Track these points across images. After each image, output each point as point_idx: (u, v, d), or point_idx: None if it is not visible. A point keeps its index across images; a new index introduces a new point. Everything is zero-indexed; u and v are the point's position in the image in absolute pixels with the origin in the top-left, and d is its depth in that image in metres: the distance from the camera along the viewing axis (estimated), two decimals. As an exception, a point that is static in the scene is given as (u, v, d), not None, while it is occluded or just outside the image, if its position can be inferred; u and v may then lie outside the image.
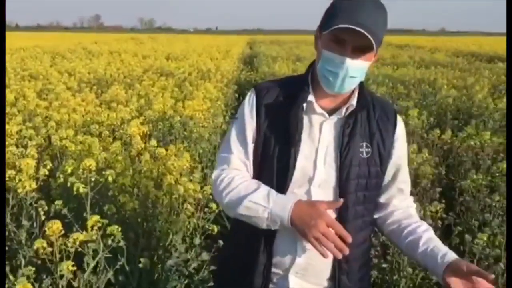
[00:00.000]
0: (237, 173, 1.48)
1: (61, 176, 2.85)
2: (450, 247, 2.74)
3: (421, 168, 3.66)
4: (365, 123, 1.50)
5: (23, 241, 2.57)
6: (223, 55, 16.57)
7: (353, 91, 1.49)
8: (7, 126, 4.27)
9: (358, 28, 1.31)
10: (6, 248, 2.61)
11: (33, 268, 2.20)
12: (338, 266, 1.49)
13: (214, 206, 3.00)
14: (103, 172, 2.70)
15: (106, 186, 2.73)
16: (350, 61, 1.36)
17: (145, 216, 2.86)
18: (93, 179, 2.53)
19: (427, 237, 1.52)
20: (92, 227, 2.19)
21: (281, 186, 1.45)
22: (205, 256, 3.11)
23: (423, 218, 2.73)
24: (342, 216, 1.46)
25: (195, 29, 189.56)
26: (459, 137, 4.64)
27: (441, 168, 4.20)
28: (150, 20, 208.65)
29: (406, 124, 5.39)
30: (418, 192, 3.62)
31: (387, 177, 1.55)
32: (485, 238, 2.48)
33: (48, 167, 2.99)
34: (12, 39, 29.78)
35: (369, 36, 1.32)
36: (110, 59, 13.38)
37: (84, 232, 2.17)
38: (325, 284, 1.52)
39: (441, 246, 1.48)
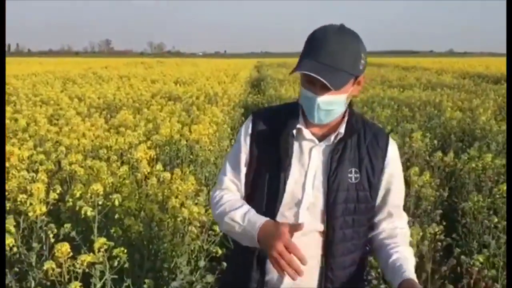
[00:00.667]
0: (227, 192, 1.60)
1: (70, 200, 2.95)
2: (448, 268, 2.78)
3: (423, 191, 3.71)
4: (355, 149, 1.54)
5: (33, 263, 2.65)
6: (231, 79, 16.80)
7: (343, 118, 1.56)
8: (18, 151, 4.41)
9: (311, 74, 1.39)
10: (17, 269, 2.70)
11: (43, 289, 2.27)
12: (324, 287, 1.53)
13: (218, 228, 3.07)
14: (110, 196, 2.79)
15: (112, 209, 2.82)
16: (319, 98, 1.45)
17: (150, 238, 2.93)
18: (100, 202, 2.63)
19: (401, 256, 1.53)
20: (99, 249, 2.28)
21: (271, 208, 1.53)
22: (209, 278, 3.17)
23: (422, 239, 2.78)
24: (328, 239, 1.51)
25: (204, 52, 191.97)
26: (462, 160, 4.69)
27: (443, 191, 4.24)
28: (160, 44, 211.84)
29: (410, 147, 5.47)
30: (420, 214, 3.67)
31: (378, 201, 1.59)
32: (481, 260, 2.52)
33: (58, 191, 3.09)
34: (24, 65, 30.45)
35: (320, 78, 1.38)
36: (119, 84, 13.64)
37: (92, 254, 2.25)
38: None
39: (409, 266, 1.50)
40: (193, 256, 3.19)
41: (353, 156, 1.54)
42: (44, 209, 2.73)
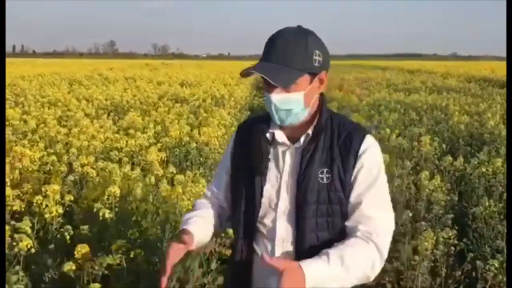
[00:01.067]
0: (203, 198, 1.69)
1: (84, 201, 2.96)
2: (463, 273, 2.78)
3: (434, 195, 3.71)
4: (327, 149, 1.50)
5: (49, 264, 2.66)
6: (236, 81, 16.83)
7: (314, 119, 1.54)
8: (30, 152, 4.44)
9: (254, 72, 1.42)
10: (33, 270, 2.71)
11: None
12: None
13: (230, 231, 3.08)
14: (127, 199, 2.81)
15: (128, 211, 2.84)
16: (273, 96, 1.45)
17: (165, 240, 2.95)
18: (117, 204, 2.64)
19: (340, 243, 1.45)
20: (116, 251, 2.29)
21: (250, 215, 1.54)
22: (221, 280, 3.17)
23: (435, 244, 2.78)
24: (298, 243, 1.49)
25: (207, 54, 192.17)
26: (472, 164, 4.69)
27: (454, 195, 4.24)
28: (164, 46, 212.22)
29: (418, 151, 5.48)
30: (431, 218, 3.67)
31: (352, 202, 1.49)
32: (496, 265, 2.53)
33: (72, 193, 3.11)
34: (30, 66, 30.57)
35: (264, 76, 1.39)
36: (125, 86, 13.68)
37: (110, 256, 2.26)
38: None
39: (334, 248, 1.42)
40: (205, 259, 3.20)
41: (325, 156, 1.50)
42: (60, 210, 2.75)
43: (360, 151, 1.49)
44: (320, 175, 1.48)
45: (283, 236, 1.51)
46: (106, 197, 2.65)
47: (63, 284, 2.45)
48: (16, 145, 4.98)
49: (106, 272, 2.22)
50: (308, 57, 1.44)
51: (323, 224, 1.48)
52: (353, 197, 1.48)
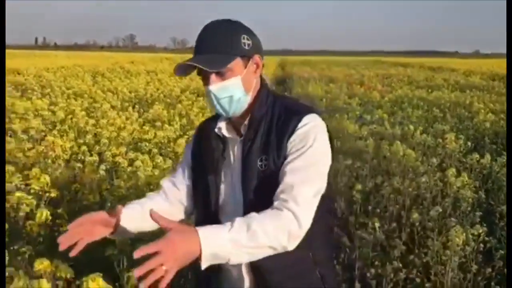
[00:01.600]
0: (156, 192, 1.68)
1: (118, 190, 3.05)
2: (493, 270, 2.79)
3: (461, 192, 3.70)
4: (265, 136, 1.48)
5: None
6: (257, 76, 16.83)
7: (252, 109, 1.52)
8: (61, 142, 4.55)
9: (185, 63, 1.42)
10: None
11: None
12: (255, 279, 1.50)
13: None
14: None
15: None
16: (210, 87, 1.44)
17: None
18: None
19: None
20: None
21: (209, 213, 1.55)
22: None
23: (466, 241, 2.79)
24: None
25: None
26: (499, 162, 4.65)
27: (481, 193, 4.22)
28: (183, 40, 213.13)
29: (443, 148, 5.45)
30: (458, 215, 3.66)
31: (281, 170, 1.43)
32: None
33: (105, 182, 3.19)
34: (52, 58, 31.05)
35: (193, 63, 1.40)
36: (147, 79, 13.84)
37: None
38: None
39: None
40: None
41: (263, 143, 1.48)
42: (97, 198, 2.83)
43: (295, 132, 1.44)
44: (259, 163, 1.47)
45: None
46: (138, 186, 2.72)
47: (103, 268, 2.53)
48: (45, 135, 5.13)
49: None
50: (236, 41, 1.45)
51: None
52: (282, 166, 1.43)
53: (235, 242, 1.25)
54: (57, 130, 5.37)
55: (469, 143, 5.84)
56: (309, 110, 1.51)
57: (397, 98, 10.35)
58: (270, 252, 1.34)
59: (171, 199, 1.65)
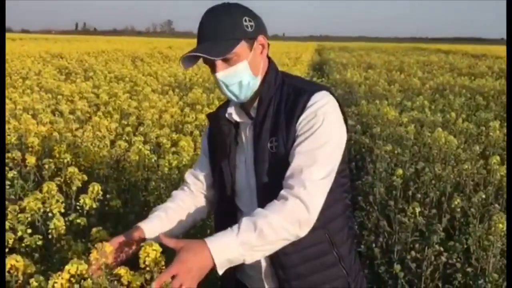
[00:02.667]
0: (181, 188, 1.73)
1: (164, 168, 3.15)
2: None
3: (505, 180, 3.63)
4: (274, 117, 1.47)
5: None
6: (294, 62, 16.77)
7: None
8: (106, 122, 4.72)
9: (190, 54, 1.41)
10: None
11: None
12: (271, 261, 1.51)
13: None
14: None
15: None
16: (218, 74, 1.44)
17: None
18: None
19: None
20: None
21: (225, 197, 1.57)
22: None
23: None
24: None
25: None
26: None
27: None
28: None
29: (487, 136, 5.33)
30: (501, 203, 3.60)
31: (290, 153, 1.43)
32: None
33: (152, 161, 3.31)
34: (92, 43, 31.83)
35: (197, 54, 1.40)
36: (186, 64, 14.00)
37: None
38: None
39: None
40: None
41: (273, 125, 1.47)
42: (144, 175, 2.95)
43: (305, 108, 1.42)
44: (269, 145, 1.46)
45: None
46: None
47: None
48: (90, 116, 5.32)
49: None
50: (237, 24, 1.43)
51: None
52: (292, 149, 1.42)
53: (245, 244, 1.28)
54: (101, 112, 5.56)
55: (513, 132, 5.69)
56: (319, 88, 1.50)
57: (438, 86, 10.11)
58: (284, 243, 1.37)
59: (195, 192, 1.68)
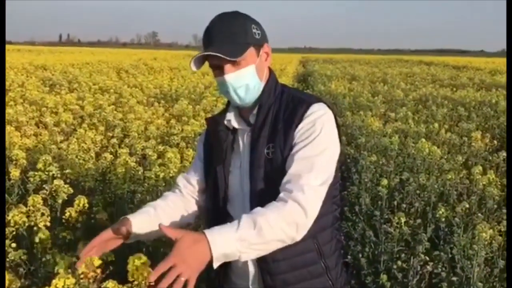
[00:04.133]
0: (172, 190, 1.73)
1: (149, 181, 3.14)
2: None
3: (488, 189, 3.70)
4: (273, 125, 1.51)
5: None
6: (279, 73, 16.87)
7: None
8: (91, 134, 4.69)
9: (204, 53, 1.43)
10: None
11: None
12: (259, 267, 1.53)
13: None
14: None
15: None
16: (226, 76, 1.47)
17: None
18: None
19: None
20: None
21: (217, 203, 1.59)
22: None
23: (493, 236, 2.80)
24: None
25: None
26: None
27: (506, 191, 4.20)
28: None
29: (469, 146, 5.42)
30: (484, 212, 3.66)
31: (288, 160, 1.46)
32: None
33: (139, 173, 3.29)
34: (77, 55, 31.60)
35: (213, 53, 1.41)
36: (171, 75, 14.00)
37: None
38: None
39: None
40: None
41: (271, 132, 1.50)
42: (131, 187, 2.93)
43: (303, 118, 1.47)
44: (266, 151, 1.49)
45: None
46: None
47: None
48: (75, 128, 5.28)
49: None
50: (247, 30, 1.48)
51: (274, 199, 1.42)
52: (289, 156, 1.46)
53: (243, 241, 1.29)
54: (86, 123, 5.51)
55: (495, 142, 5.81)
56: (317, 99, 1.55)
57: (421, 97, 10.27)
58: (280, 245, 1.38)
59: (186, 195, 1.69)
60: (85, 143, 4.31)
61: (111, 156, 3.66)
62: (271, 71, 1.60)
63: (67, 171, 3.20)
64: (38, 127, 5.07)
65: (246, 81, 1.49)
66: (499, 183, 3.85)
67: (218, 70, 1.49)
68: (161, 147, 4.07)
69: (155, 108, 6.85)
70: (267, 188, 1.47)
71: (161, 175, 3.06)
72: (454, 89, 12.09)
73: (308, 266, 1.53)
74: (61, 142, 4.42)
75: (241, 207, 1.54)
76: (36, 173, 2.93)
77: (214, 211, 1.60)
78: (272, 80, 1.57)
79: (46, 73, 13.90)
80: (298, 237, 1.39)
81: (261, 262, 1.49)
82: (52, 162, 3.02)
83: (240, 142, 1.58)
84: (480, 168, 4.05)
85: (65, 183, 2.78)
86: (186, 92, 9.20)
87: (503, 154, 4.75)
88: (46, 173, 2.94)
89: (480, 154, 5.28)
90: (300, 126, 1.47)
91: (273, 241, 1.35)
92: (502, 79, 16.48)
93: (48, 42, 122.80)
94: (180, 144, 4.29)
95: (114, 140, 4.45)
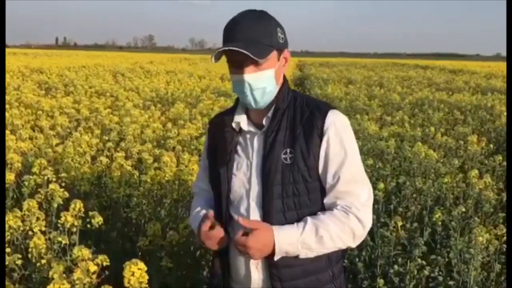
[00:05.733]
0: (195, 195, 1.78)
1: (145, 185, 3.12)
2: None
3: (484, 193, 3.70)
4: (290, 129, 1.50)
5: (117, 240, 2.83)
6: (275, 77, 16.85)
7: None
8: (87, 138, 4.66)
9: (232, 48, 1.40)
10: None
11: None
12: (270, 273, 1.54)
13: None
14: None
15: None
16: (246, 76, 1.45)
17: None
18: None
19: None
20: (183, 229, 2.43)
21: (219, 203, 1.60)
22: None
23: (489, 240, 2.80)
24: (266, 222, 1.49)
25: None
26: (522, 164, 4.61)
27: (504, 194, 4.20)
28: (201, 41, 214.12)
29: (465, 150, 5.43)
30: (480, 216, 3.66)
31: (324, 178, 1.51)
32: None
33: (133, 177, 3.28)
34: (73, 58, 31.53)
35: (240, 50, 1.39)
36: (167, 79, 13.98)
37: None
38: None
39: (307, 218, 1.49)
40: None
41: (288, 136, 1.50)
42: (127, 191, 2.92)
43: (324, 128, 1.49)
44: (283, 156, 1.49)
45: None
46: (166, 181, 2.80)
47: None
48: (71, 132, 5.26)
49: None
50: (273, 33, 1.48)
51: (289, 204, 1.49)
52: (329, 177, 1.49)
53: (304, 244, 1.45)
54: (82, 127, 5.49)
55: (491, 145, 5.82)
56: (330, 105, 1.58)
57: (417, 101, 10.29)
58: (334, 250, 1.53)
59: (205, 196, 1.73)
60: (81, 147, 4.29)
61: (107, 159, 3.64)
62: (284, 76, 1.60)
63: (63, 175, 3.18)
64: (34, 131, 5.04)
65: (264, 84, 1.48)
66: (495, 186, 3.85)
67: (237, 68, 1.47)
68: (157, 151, 4.05)
69: (152, 111, 6.83)
70: (283, 193, 1.48)
71: (157, 178, 3.04)
72: (450, 92, 12.12)
73: (318, 273, 1.57)
74: (56, 145, 4.40)
75: (245, 211, 1.54)
76: (31, 177, 2.91)
77: (217, 213, 1.60)
78: (285, 84, 1.58)
79: (42, 77, 13.86)
80: (354, 245, 1.55)
81: (271, 267, 1.51)
82: (47, 166, 3.00)
83: (249, 146, 1.56)
84: (476, 171, 4.05)
85: (61, 187, 2.76)
86: (182, 96, 9.19)
87: (499, 157, 4.76)
88: (41, 177, 2.92)
89: (476, 157, 5.29)
90: (325, 140, 1.49)
91: (331, 248, 1.50)
92: (498, 83, 16.55)
93: (44, 45, 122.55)
94: (176, 147, 4.27)
95: (110, 144, 4.42)
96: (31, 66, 18.14)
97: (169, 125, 5.49)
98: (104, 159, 3.53)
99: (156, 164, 3.65)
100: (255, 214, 1.51)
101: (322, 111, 1.51)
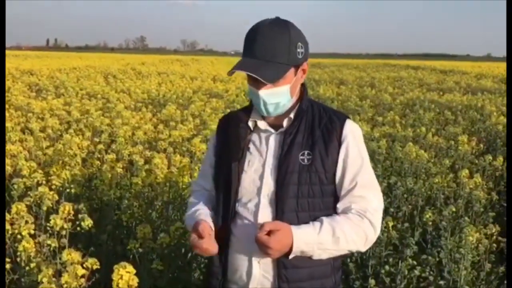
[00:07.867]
0: (194, 192, 1.77)
1: (136, 187, 3.11)
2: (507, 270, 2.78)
3: (474, 193, 3.73)
4: (308, 132, 1.55)
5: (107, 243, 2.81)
6: (267, 78, 16.86)
7: (296, 105, 1.60)
8: (78, 140, 4.64)
9: (243, 71, 1.43)
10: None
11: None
12: (278, 273, 1.55)
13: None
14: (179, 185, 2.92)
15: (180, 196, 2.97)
16: (261, 92, 1.50)
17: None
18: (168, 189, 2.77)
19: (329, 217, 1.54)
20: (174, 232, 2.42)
21: (227, 199, 1.59)
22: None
23: (479, 240, 2.82)
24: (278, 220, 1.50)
25: (236, 51, 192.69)
26: (512, 164, 4.65)
27: (494, 194, 4.23)
28: (193, 42, 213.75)
29: (456, 150, 5.46)
30: (471, 216, 3.69)
31: (341, 183, 1.56)
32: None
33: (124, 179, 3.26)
34: (64, 60, 31.32)
35: (253, 75, 1.43)
36: (159, 80, 13.94)
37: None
38: None
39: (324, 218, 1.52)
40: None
41: (306, 139, 1.55)
42: (118, 193, 2.90)
43: (343, 135, 1.56)
44: (301, 157, 1.53)
45: (265, 219, 1.52)
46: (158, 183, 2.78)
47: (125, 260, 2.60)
48: (61, 134, 5.22)
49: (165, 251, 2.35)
50: (292, 50, 1.49)
51: (303, 205, 1.52)
52: (347, 182, 1.55)
53: (320, 244, 1.49)
54: (73, 129, 5.46)
55: (481, 145, 5.86)
56: (344, 113, 1.66)
57: (408, 101, 10.34)
58: (346, 252, 1.58)
59: (204, 195, 1.72)
60: (71, 149, 4.26)
61: (98, 162, 3.62)
62: (303, 83, 1.64)
63: (52, 177, 3.16)
64: (24, 133, 5.00)
65: (278, 99, 1.52)
66: (486, 186, 3.87)
67: (253, 81, 1.51)
68: (148, 153, 4.04)
69: (143, 113, 6.81)
70: (299, 193, 1.52)
71: (148, 180, 3.03)
72: (441, 93, 12.21)
73: (323, 278, 1.61)
74: (46, 148, 4.37)
75: (254, 208, 1.56)
76: (20, 180, 2.89)
77: (224, 210, 1.60)
78: (304, 89, 1.63)
79: (33, 78, 13.78)
80: (365, 249, 1.61)
81: (279, 268, 1.54)
82: (37, 169, 2.97)
83: (263, 144, 1.59)
84: (467, 171, 4.08)
85: (50, 189, 2.74)
86: (174, 97, 9.18)
87: (489, 157, 4.79)
88: (31, 179, 2.90)
89: (466, 157, 5.33)
90: (344, 147, 1.54)
91: (344, 250, 1.55)
92: (488, 83, 16.68)
93: (35, 47, 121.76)
94: (168, 149, 4.26)
95: (100, 146, 4.40)
96: (21, 68, 18.01)
97: (161, 126, 5.47)
98: (95, 161, 3.51)
99: (147, 166, 3.64)
100: (265, 211, 1.54)
101: (341, 118, 1.58)
